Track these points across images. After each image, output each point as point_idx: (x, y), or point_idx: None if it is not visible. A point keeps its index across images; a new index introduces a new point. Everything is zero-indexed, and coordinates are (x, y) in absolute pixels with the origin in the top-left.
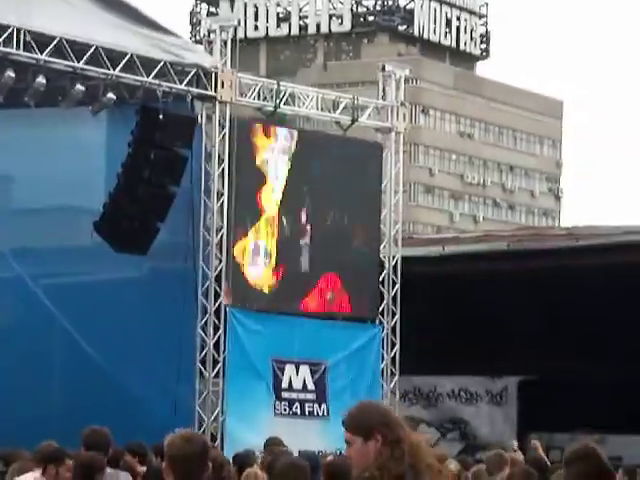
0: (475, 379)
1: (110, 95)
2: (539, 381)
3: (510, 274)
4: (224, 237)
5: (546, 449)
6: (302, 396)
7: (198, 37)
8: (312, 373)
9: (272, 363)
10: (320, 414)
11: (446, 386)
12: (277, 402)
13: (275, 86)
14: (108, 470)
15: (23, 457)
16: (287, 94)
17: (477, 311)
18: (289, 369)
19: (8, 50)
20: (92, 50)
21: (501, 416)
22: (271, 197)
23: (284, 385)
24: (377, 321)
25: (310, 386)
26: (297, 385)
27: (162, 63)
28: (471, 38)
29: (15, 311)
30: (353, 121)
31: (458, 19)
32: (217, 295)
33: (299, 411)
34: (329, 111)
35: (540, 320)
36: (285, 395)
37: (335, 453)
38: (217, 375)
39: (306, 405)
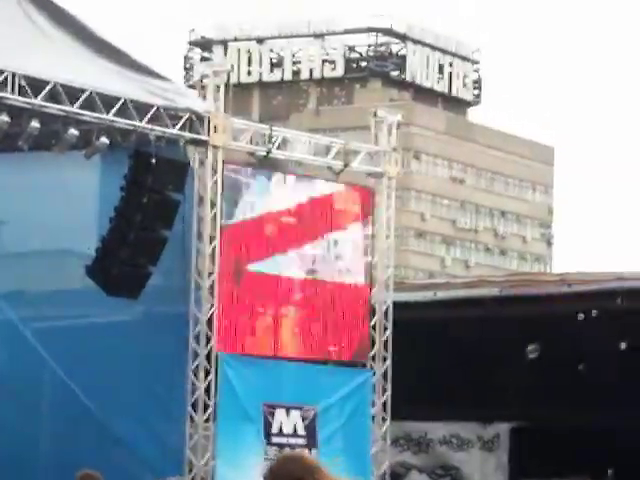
0: (467, 425)
1: (103, 139)
2: (531, 428)
3: (502, 320)
4: (215, 281)
5: None
6: (292, 441)
7: (192, 82)
8: (303, 418)
9: (263, 408)
10: None
11: (437, 432)
12: (268, 447)
13: (268, 131)
14: None
15: None
16: (280, 139)
17: (469, 357)
18: (280, 414)
19: (3, 94)
20: (86, 95)
21: (493, 463)
22: None
23: (274, 430)
24: (368, 366)
25: (300, 431)
26: (288, 430)
27: (155, 108)
28: (463, 84)
29: (3, 355)
30: (345, 166)
31: (451, 65)
32: (208, 339)
33: None
34: (321, 156)
35: (532, 366)
36: (275, 440)
37: None
38: (208, 419)
39: (296, 450)
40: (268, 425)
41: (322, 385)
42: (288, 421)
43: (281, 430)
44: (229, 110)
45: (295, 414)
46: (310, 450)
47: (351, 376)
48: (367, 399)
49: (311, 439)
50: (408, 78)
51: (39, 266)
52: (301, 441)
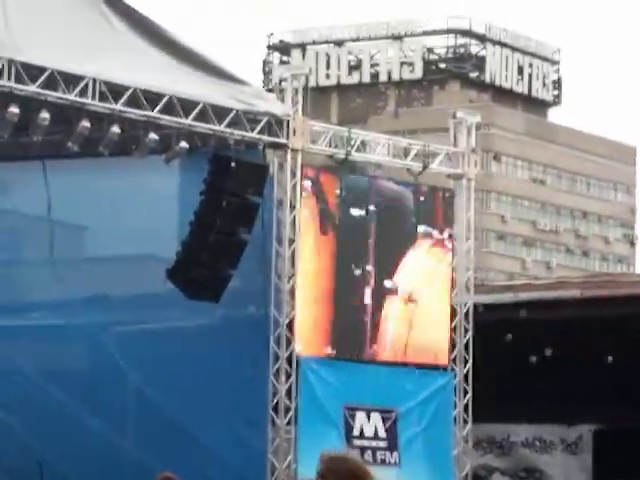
0: (549, 427)
1: (183, 144)
2: (615, 430)
3: (584, 321)
4: (296, 284)
5: None
6: (374, 444)
7: (270, 85)
8: (384, 421)
9: (344, 410)
10: (392, 462)
11: (520, 434)
12: (349, 449)
13: (346, 133)
14: None
15: None
16: (358, 141)
17: (550, 358)
18: (360, 416)
19: (84, 100)
20: (166, 99)
21: (576, 465)
22: None
23: (355, 432)
24: (450, 368)
25: (382, 434)
26: (369, 433)
27: (234, 112)
28: (543, 85)
29: (88, 359)
30: (424, 168)
31: (530, 65)
32: (289, 342)
33: (371, 459)
34: (400, 158)
35: (615, 368)
36: (357, 443)
37: None
38: (289, 422)
39: (378, 453)
40: (349, 428)
41: (403, 388)
42: (369, 424)
43: (362, 433)
44: (308, 113)
45: (376, 417)
46: (392, 453)
47: (432, 379)
48: (449, 402)
49: (392, 442)
50: (487, 79)
51: (121, 271)
52: (382, 444)
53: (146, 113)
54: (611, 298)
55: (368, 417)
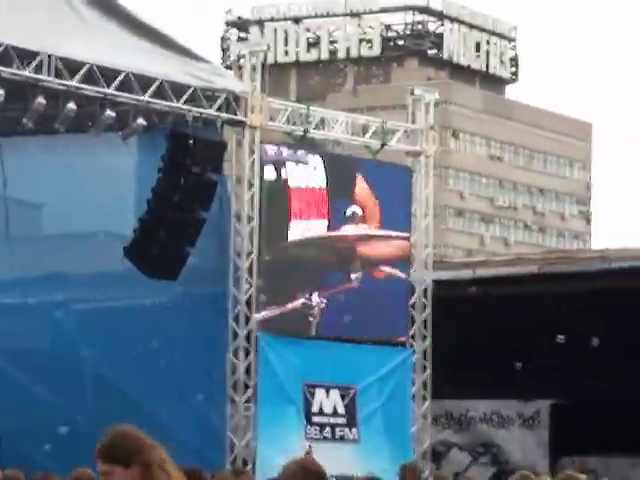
0: (507, 402)
1: (140, 121)
2: (571, 404)
3: (541, 297)
4: (254, 261)
5: (579, 473)
6: (333, 420)
7: (228, 62)
8: (342, 397)
9: (303, 387)
10: (351, 438)
11: (478, 410)
12: (308, 426)
13: (305, 111)
14: None
15: None
16: (317, 119)
17: (509, 334)
18: (319, 393)
19: (39, 77)
20: (122, 76)
21: (533, 440)
22: None
23: (315, 409)
24: (408, 345)
25: (341, 410)
26: (328, 409)
27: (192, 89)
28: (500, 62)
29: (45, 337)
30: (383, 145)
31: (487, 43)
32: (248, 320)
33: (330, 435)
34: (359, 135)
35: (573, 343)
36: (316, 419)
37: (368, 477)
38: (248, 400)
39: (337, 429)
40: (308, 405)
41: (362, 364)
42: (328, 401)
43: (321, 409)
44: (266, 90)
45: (335, 394)
46: (351, 429)
47: (391, 355)
48: (407, 378)
49: (351, 418)
50: (445, 56)
51: (79, 248)
52: (341, 420)
53: (102, 90)
54: (568, 274)
55: (327, 394)
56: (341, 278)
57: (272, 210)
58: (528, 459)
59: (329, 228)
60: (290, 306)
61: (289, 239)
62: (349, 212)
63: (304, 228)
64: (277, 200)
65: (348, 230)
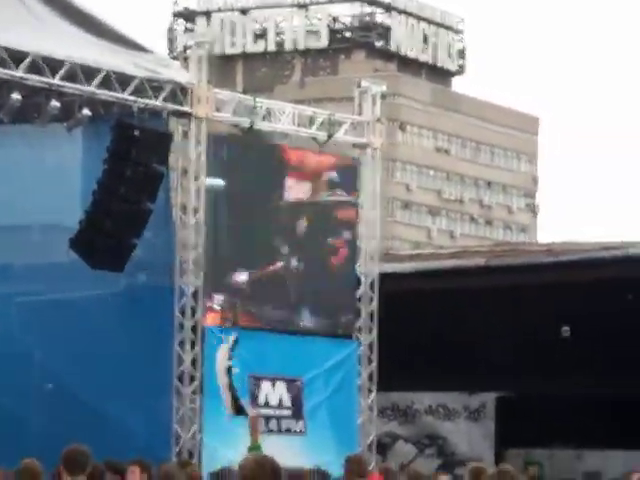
0: (453, 395)
1: (85, 111)
2: (517, 397)
3: (488, 290)
4: (200, 254)
5: (524, 464)
6: (278, 412)
7: (175, 53)
8: (289, 389)
9: (248, 379)
10: (297, 430)
11: (424, 402)
12: (255, 411)
13: (251, 102)
14: None
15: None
16: (264, 110)
17: (455, 327)
18: (265, 386)
19: None
20: (68, 66)
21: (479, 432)
22: None
23: (260, 401)
24: (354, 337)
25: (286, 402)
26: (273, 401)
27: (138, 79)
28: (448, 54)
29: None
30: (329, 137)
31: (435, 35)
32: (194, 311)
33: (276, 427)
34: (306, 127)
35: (518, 336)
36: (262, 411)
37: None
38: (194, 392)
39: (283, 422)
40: (254, 397)
41: (307, 356)
42: (274, 393)
43: (267, 402)
44: (212, 81)
45: (281, 385)
46: (297, 421)
47: (337, 347)
48: (353, 370)
49: (297, 410)
50: (393, 48)
51: (24, 240)
52: (287, 412)
53: (47, 80)
54: (515, 266)
55: (273, 386)
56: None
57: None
58: (474, 451)
59: None
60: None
61: None
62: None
63: None
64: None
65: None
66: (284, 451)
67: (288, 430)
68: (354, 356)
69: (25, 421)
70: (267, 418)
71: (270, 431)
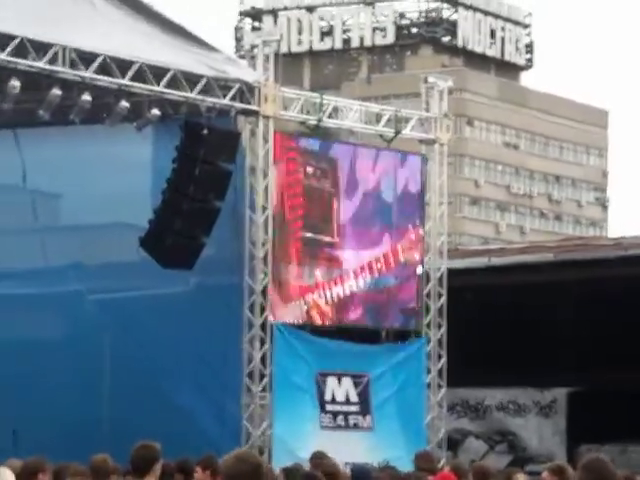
0: (523, 391)
1: (155, 111)
2: (588, 392)
3: (557, 285)
4: (269, 251)
5: None
6: (346, 408)
7: (242, 52)
8: (355, 385)
9: (316, 376)
10: (365, 426)
11: (494, 398)
12: (322, 414)
13: (318, 100)
14: None
15: (75, 470)
16: (330, 107)
17: (524, 322)
18: (331, 381)
19: (54, 68)
20: (137, 67)
21: (550, 428)
22: None
23: (327, 397)
24: (423, 333)
25: (353, 398)
26: (340, 397)
27: (206, 79)
28: (516, 49)
29: (63, 328)
30: (397, 133)
31: (502, 29)
32: (263, 309)
33: (343, 423)
34: (372, 124)
35: (588, 330)
36: (329, 407)
37: (383, 465)
38: (264, 389)
39: (350, 417)
40: (321, 393)
41: (375, 353)
42: (340, 389)
43: (334, 398)
44: (280, 80)
45: (347, 381)
46: (364, 417)
47: (404, 344)
48: (421, 366)
49: (365, 406)
50: (460, 44)
51: (96, 239)
52: (354, 408)
53: (117, 81)
54: (584, 261)
55: (339, 382)
56: None
57: None
58: (545, 447)
59: None
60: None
61: None
62: None
63: None
64: None
65: None
66: (352, 447)
67: (355, 425)
68: (422, 352)
69: (98, 417)
70: (334, 414)
71: (338, 427)
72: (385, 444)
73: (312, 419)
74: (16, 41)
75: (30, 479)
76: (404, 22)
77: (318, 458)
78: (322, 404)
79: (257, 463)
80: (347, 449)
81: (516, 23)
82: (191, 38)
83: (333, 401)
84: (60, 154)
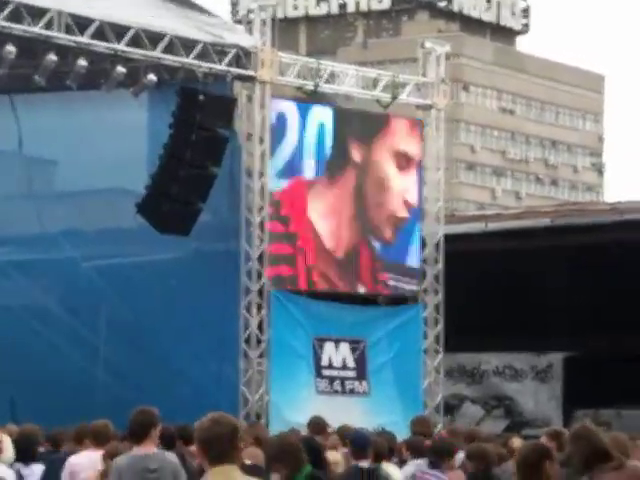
0: (520, 356)
1: (151, 76)
2: (584, 357)
3: (554, 250)
4: (265, 217)
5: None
6: (342, 373)
7: (238, 17)
8: (352, 350)
9: (312, 341)
10: (361, 391)
11: (491, 363)
12: (318, 380)
13: (315, 65)
14: (156, 450)
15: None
16: (327, 73)
17: (521, 287)
18: (329, 347)
19: (49, 33)
20: (132, 32)
21: (546, 392)
22: None
23: (324, 363)
24: (420, 299)
25: (350, 363)
26: (337, 363)
27: (202, 44)
28: (512, 13)
29: (61, 293)
30: (393, 98)
31: None
32: (260, 275)
33: (340, 388)
34: (369, 89)
35: (585, 295)
36: (326, 373)
37: (379, 429)
38: (261, 355)
39: (346, 382)
40: (317, 359)
41: (372, 319)
42: (337, 354)
43: (331, 363)
44: (276, 45)
45: (344, 347)
46: (361, 382)
47: (401, 309)
48: (418, 332)
49: (361, 371)
50: (456, 9)
51: (92, 205)
52: (351, 373)
53: (113, 46)
54: (580, 226)
55: (337, 347)
56: None
57: None
58: (541, 412)
59: None
60: None
61: None
62: None
63: None
64: None
65: None
66: (348, 412)
67: (352, 391)
68: (419, 318)
69: (94, 383)
70: (331, 379)
71: (334, 392)
72: (381, 409)
73: (308, 384)
74: (11, 6)
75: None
76: None
77: (316, 423)
78: (318, 369)
79: (233, 425)
80: (343, 414)
81: None
82: (187, 3)
83: (330, 366)
84: (56, 120)
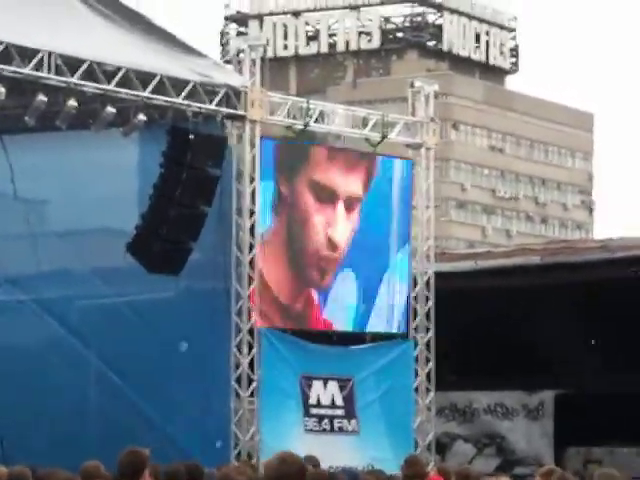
0: (511, 394)
1: (141, 116)
2: (576, 395)
3: (544, 288)
4: (256, 256)
5: (584, 463)
6: (331, 412)
7: (228, 57)
8: (340, 389)
9: (300, 380)
10: (350, 430)
11: (482, 401)
12: (306, 418)
13: (305, 104)
14: None
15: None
16: (317, 112)
17: (512, 325)
18: (317, 385)
19: (39, 74)
20: (122, 72)
21: (538, 431)
22: None
23: (312, 401)
24: (411, 337)
25: (339, 402)
26: (325, 401)
27: (192, 84)
28: (500, 52)
29: (48, 334)
30: (383, 137)
31: (487, 34)
32: (250, 314)
33: (329, 427)
34: (359, 128)
35: (575, 333)
36: (314, 411)
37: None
38: (252, 394)
39: (335, 421)
40: (306, 397)
41: (361, 357)
42: (326, 392)
43: (319, 401)
44: (266, 85)
45: (333, 385)
46: (349, 421)
47: (390, 347)
48: (408, 370)
49: (350, 410)
50: (445, 48)
51: (82, 245)
52: (339, 412)
53: (103, 86)
54: (570, 264)
55: (325, 386)
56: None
57: None
58: (533, 450)
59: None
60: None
61: None
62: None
63: None
64: None
65: None
66: (338, 450)
67: (341, 429)
68: (408, 355)
69: (85, 423)
70: (320, 418)
71: (323, 430)
72: (370, 446)
73: (297, 423)
74: (1, 47)
75: None
76: (389, 27)
77: (308, 462)
78: (307, 408)
79: (299, 464)
80: (332, 452)
81: (501, 27)
82: (177, 43)
83: (318, 405)
84: (47, 160)
